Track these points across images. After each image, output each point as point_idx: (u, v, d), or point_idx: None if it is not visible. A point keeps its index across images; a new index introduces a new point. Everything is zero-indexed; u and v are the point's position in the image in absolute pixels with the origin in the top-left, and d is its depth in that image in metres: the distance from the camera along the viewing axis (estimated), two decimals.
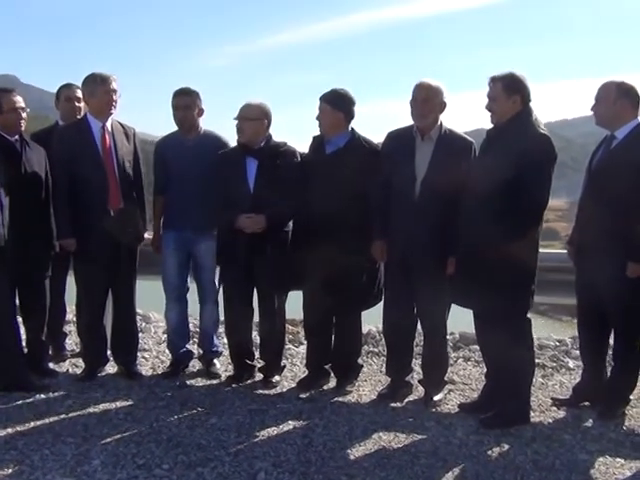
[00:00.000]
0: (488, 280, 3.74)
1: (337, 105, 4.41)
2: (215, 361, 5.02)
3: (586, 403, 4.30)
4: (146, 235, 4.91)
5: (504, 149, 3.78)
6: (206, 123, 4.91)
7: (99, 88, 4.54)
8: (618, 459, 3.59)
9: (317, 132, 4.54)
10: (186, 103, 4.75)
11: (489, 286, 3.74)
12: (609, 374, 4.24)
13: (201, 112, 4.84)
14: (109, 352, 4.93)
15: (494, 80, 3.89)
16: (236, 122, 4.59)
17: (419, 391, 4.51)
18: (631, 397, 4.24)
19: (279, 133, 4.70)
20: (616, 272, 3.84)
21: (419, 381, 4.53)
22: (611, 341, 4.23)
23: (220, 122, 5.16)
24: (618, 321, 4.03)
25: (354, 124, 4.51)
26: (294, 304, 4.95)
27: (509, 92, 3.84)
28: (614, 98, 3.97)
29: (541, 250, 4.06)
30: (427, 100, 4.16)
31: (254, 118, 4.53)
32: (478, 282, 3.80)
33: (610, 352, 4.28)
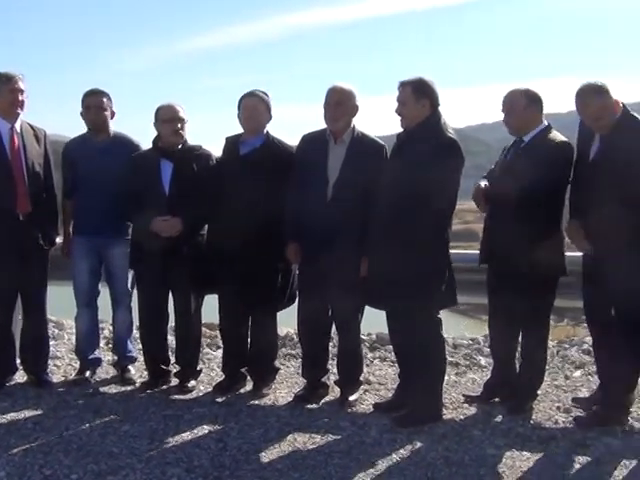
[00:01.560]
0: (398, 280, 3.81)
1: (269, 106, 4.46)
2: (130, 367, 4.95)
3: (496, 399, 4.42)
4: (58, 239, 4.80)
5: (413, 153, 3.86)
6: (124, 127, 4.89)
7: (3, 87, 4.41)
8: (524, 452, 3.70)
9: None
10: (97, 103, 4.68)
11: (399, 287, 3.81)
12: (518, 370, 4.37)
13: (113, 114, 4.77)
14: (18, 360, 4.79)
15: (403, 84, 3.97)
16: (156, 126, 4.56)
17: (335, 392, 4.55)
18: (538, 392, 4.40)
19: (196, 137, 4.69)
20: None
21: (335, 382, 4.57)
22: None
23: (136, 125, 5.10)
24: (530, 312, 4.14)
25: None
26: (211, 308, 4.93)
27: (418, 96, 3.92)
28: (524, 106, 4.09)
29: (460, 251, 4.15)
30: (339, 103, 4.21)
31: (180, 119, 4.51)
32: (389, 283, 3.86)
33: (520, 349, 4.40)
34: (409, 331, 3.96)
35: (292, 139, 4.54)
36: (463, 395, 4.57)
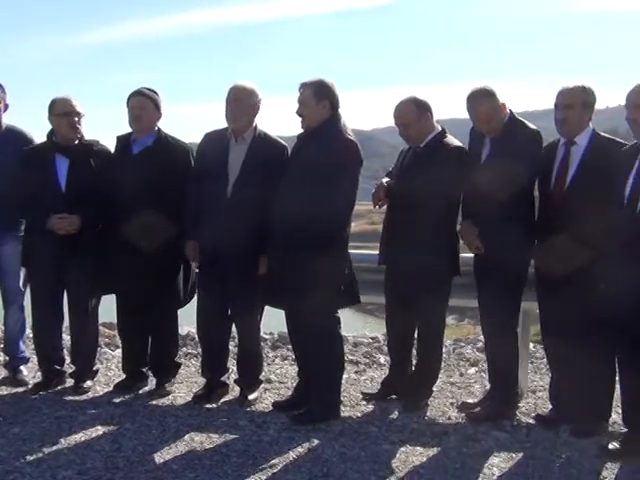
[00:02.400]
0: (296, 280, 3.84)
1: (157, 104, 4.42)
2: (22, 368, 4.79)
3: (393, 396, 4.51)
4: None
5: (312, 153, 3.90)
6: (28, 121, 4.74)
7: None
8: (418, 447, 3.80)
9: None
10: None
11: (298, 286, 3.84)
12: (414, 368, 4.49)
13: (6, 107, 4.61)
14: None
15: (304, 86, 4.01)
16: (50, 119, 4.43)
17: (235, 391, 4.54)
18: (434, 389, 4.53)
19: (95, 133, 4.58)
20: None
21: (235, 381, 4.57)
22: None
23: (35, 119, 4.93)
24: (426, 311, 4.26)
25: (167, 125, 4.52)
26: (109, 307, 4.84)
27: (318, 98, 3.97)
28: (417, 116, 4.18)
29: (365, 251, 4.21)
30: (239, 101, 4.21)
31: (76, 113, 4.39)
32: (288, 282, 3.90)
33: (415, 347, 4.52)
34: (307, 330, 4.01)
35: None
36: (361, 393, 4.65)
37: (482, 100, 3.99)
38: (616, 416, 3.98)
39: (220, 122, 4.30)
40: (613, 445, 3.67)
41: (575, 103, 3.82)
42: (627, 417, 3.75)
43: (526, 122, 4.08)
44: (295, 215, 3.82)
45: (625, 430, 3.78)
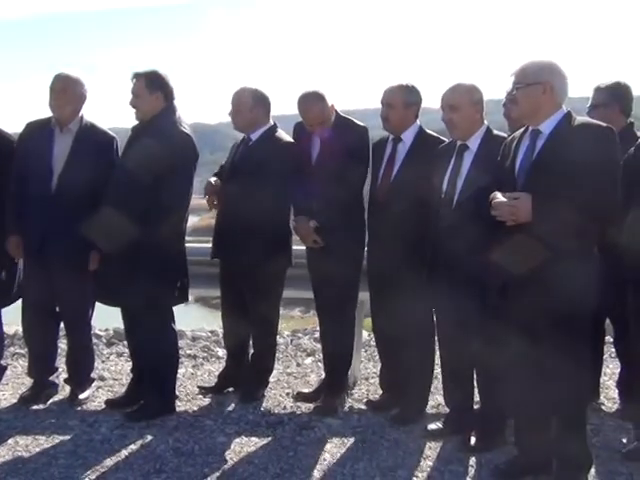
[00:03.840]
0: (127, 278, 3.77)
1: None
2: None
3: (230, 389, 4.53)
4: None
5: (143, 146, 3.83)
6: None
7: None
8: (253, 438, 3.85)
9: None
10: None
11: (129, 284, 3.77)
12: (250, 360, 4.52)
13: None
14: None
15: (137, 76, 3.93)
16: None
17: (65, 391, 4.39)
18: (270, 380, 4.59)
19: None
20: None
21: (65, 380, 4.42)
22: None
23: None
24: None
25: None
26: None
27: (151, 89, 3.90)
28: (250, 106, 4.22)
29: (196, 245, 4.16)
30: (64, 90, 4.07)
31: None
32: (118, 280, 3.82)
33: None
34: (140, 327, 3.94)
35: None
36: (198, 387, 4.63)
37: (313, 103, 4.10)
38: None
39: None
40: (436, 425, 3.89)
41: (396, 103, 3.99)
42: (446, 398, 3.99)
43: (354, 120, 4.23)
44: (125, 211, 3.72)
45: (447, 411, 4.02)
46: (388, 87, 4.04)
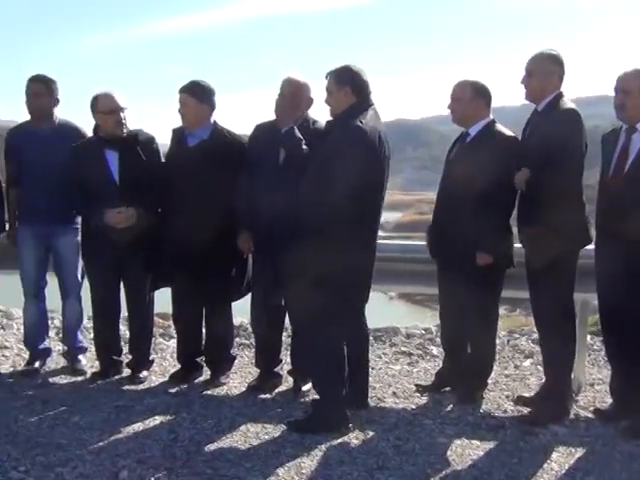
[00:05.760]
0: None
1: (201, 98, 4.39)
2: (80, 357, 4.89)
3: (447, 388, 4.48)
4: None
5: (329, 140, 3.88)
6: (80, 116, 4.81)
7: None
8: (474, 441, 3.77)
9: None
10: (36, 90, 4.59)
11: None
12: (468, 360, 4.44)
13: (57, 101, 4.68)
14: None
15: (329, 74, 3.96)
16: (94, 116, 4.49)
17: (289, 382, 4.55)
18: (489, 381, 4.48)
19: (150, 124, 4.62)
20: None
21: (288, 372, 4.59)
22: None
23: (79, 114, 4.99)
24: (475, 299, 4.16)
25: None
26: (164, 297, 4.90)
27: (340, 84, 3.89)
28: (469, 97, 4.15)
29: (412, 242, 4.15)
30: (294, 95, 4.20)
31: (120, 109, 4.43)
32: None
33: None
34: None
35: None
36: (415, 385, 4.63)
37: None
38: None
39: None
40: None
41: (633, 89, 3.73)
42: None
43: None
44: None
45: None
46: (623, 73, 3.78)
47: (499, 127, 4.18)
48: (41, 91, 4.58)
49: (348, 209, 3.69)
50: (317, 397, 4.00)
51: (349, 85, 3.88)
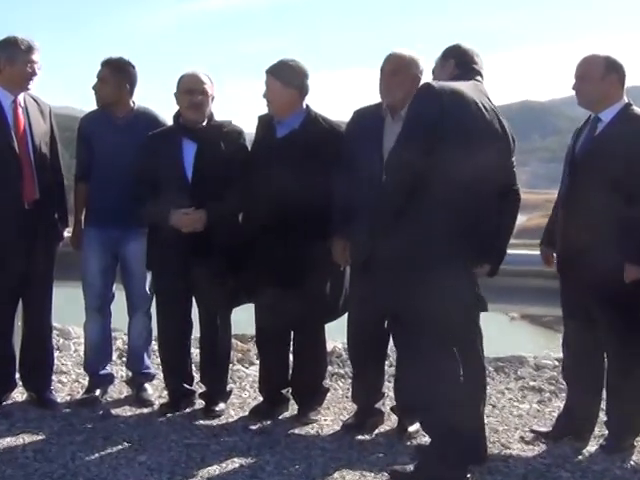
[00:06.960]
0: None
1: (289, 81, 4.35)
2: (146, 385, 4.92)
3: (569, 437, 4.25)
4: (66, 233, 4.82)
5: None
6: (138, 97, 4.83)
7: (21, 56, 4.38)
8: None
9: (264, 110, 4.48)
10: (106, 75, 4.67)
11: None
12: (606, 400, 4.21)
13: (131, 89, 4.74)
14: (17, 375, 4.78)
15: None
16: (176, 97, 4.51)
17: (392, 421, 4.47)
18: None
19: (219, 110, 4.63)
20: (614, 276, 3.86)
21: (391, 408, 4.50)
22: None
23: (153, 95, 5.07)
24: (619, 330, 4.01)
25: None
26: (243, 316, 4.89)
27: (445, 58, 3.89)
28: (601, 75, 4.01)
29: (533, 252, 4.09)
30: (395, 73, 4.15)
31: (201, 92, 4.45)
32: None
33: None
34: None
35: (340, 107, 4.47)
36: (531, 430, 4.42)
37: None
38: None
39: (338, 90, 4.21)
40: None
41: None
42: None
43: None
44: None
45: None
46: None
47: (638, 111, 4.04)
48: (108, 77, 4.67)
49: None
50: (427, 441, 3.88)
51: (452, 58, 3.86)
